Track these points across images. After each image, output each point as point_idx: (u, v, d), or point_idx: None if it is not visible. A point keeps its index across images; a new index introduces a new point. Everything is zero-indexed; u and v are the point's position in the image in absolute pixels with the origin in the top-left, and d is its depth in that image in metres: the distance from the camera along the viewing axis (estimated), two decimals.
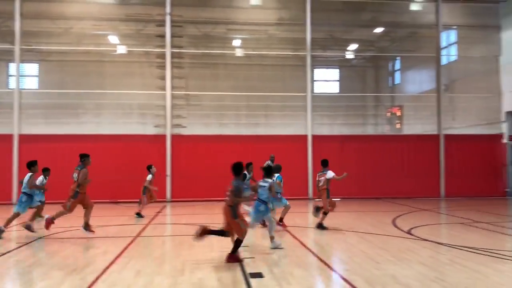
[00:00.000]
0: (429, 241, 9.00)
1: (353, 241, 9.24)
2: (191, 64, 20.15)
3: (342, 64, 27.87)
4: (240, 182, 7.46)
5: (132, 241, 9.17)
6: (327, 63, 27.65)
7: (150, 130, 18.44)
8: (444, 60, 20.77)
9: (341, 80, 28.38)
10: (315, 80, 27.10)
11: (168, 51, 18.31)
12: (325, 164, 10.93)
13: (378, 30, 22.05)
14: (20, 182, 10.46)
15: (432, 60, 20.11)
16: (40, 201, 10.90)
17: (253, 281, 6.11)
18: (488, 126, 19.86)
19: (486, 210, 14.57)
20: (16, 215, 9.68)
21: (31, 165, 9.91)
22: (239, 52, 20.61)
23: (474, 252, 7.88)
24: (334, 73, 29.27)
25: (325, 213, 10.57)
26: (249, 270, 6.69)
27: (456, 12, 20.56)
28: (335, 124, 20.82)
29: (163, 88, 18.31)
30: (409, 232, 10.10)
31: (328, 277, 6.70)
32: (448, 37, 22.33)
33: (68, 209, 9.41)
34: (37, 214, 10.58)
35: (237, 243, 7.29)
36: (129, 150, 17.46)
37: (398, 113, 25.68)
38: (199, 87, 19.91)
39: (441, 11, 19.59)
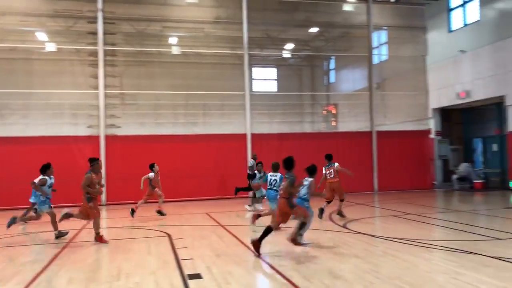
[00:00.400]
0: (364, 234, 9.32)
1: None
2: (125, 62, 19.54)
3: (280, 63, 28.24)
4: (294, 175, 7.77)
5: (64, 248, 8.74)
6: (265, 62, 27.88)
7: (82, 131, 17.69)
8: (375, 60, 21.63)
9: (279, 79, 28.77)
10: (253, 79, 27.30)
11: (100, 48, 17.66)
12: (330, 158, 11.96)
13: (313, 30, 22.56)
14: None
15: (364, 60, 20.86)
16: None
17: (191, 283, 6.01)
18: (417, 123, 20.95)
19: (416, 202, 15.34)
20: (54, 215, 9.73)
21: (46, 169, 9.82)
22: (175, 50, 20.26)
23: (405, 243, 8.25)
24: (272, 72, 29.62)
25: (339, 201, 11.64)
26: (187, 271, 6.58)
27: (386, 13, 21.48)
28: (273, 122, 21.06)
29: (96, 87, 17.63)
30: (344, 226, 10.41)
31: (266, 274, 6.74)
32: (379, 37, 23.29)
33: (95, 215, 9.16)
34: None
35: (302, 225, 7.88)
36: (60, 152, 16.61)
37: (334, 111, 26.45)
38: (134, 86, 19.37)
39: (372, 12, 20.37)
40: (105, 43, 17.80)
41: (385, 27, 21.95)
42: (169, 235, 9.64)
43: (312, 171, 8.52)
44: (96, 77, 17.65)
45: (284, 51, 26.02)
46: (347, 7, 20.82)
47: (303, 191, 8.19)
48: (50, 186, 9.83)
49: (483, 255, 7.05)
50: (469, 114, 22.02)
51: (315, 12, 20.69)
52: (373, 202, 16.48)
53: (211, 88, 19.36)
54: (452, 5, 20.64)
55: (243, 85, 18.88)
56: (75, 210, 9.50)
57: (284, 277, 6.25)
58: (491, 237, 8.68)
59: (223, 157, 18.08)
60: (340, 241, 8.64)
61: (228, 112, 19.31)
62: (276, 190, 9.73)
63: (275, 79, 28.83)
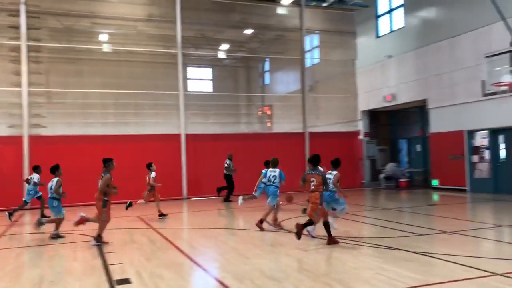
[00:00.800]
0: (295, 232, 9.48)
1: (224, 238, 9.36)
2: (51, 59, 18.52)
3: (215, 64, 28.13)
4: (323, 171, 8.43)
5: None
6: (199, 62, 27.65)
7: (3, 131, 16.58)
8: (308, 63, 22.16)
9: (214, 79, 28.66)
10: (188, 79, 26.99)
11: (23, 44, 16.63)
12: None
13: (248, 31, 22.69)
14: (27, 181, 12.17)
15: (297, 62, 21.30)
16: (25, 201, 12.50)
17: None
18: (347, 124, 21.73)
19: (347, 200, 15.83)
20: (61, 219, 9.74)
21: (55, 170, 9.78)
22: (106, 48, 19.54)
23: None
24: (207, 72, 29.46)
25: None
26: (115, 276, 6.35)
27: (318, 18, 22.08)
28: (208, 123, 20.92)
29: (19, 85, 16.59)
30: (279, 226, 10.54)
31: (198, 276, 6.67)
32: (312, 41, 23.91)
33: (105, 220, 8.86)
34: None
35: (328, 226, 8.11)
36: None
37: (269, 112, 26.81)
38: (61, 84, 18.41)
39: (305, 16, 20.84)
40: (29, 38, 16.80)
41: (317, 31, 22.56)
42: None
43: (336, 163, 9.29)
44: (18, 74, 16.61)
45: (219, 52, 25.98)
46: (281, 10, 21.16)
47: (330, 184, 8.82)
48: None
49: (406, 251, 7.42)
50: (395, 116, 23.19)
51: (250, 14, 20.83)
52: (305, 201, 16.82)
53: (143, 87, 18.85)
54: (380, 12, 21.63)
55: (177, 84, 18.59)
56: (91, 214, 9.13)
57: (215, 278, 6.21)
58: (414, 233, 9.16)
59: (157, 158, 17.62)
60: (274, 241, 8.74)
61: (162, 112, 18.91)
62: (276, 186, 10.11)
63: (210, 79, 28.70)
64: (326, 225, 8.14)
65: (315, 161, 8.59)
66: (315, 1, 21.92)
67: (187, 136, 18.43)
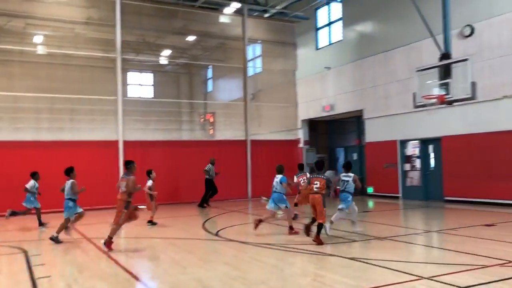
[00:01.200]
0: (235, 241, 9.49)
1: (161, 247, 9.17)
2: None
3: (156, 69, 27.73)
4: (327, 177, 9.29)
5: None
6: (140, 67, 27.15)
7: None
8: (250, 71, 22.37)
9: (155, 85, 28.23)
10: (128, 84, 26.38)
11: None
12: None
13: (191, 38, 22.57)
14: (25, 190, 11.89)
15: (240, 71, 21.43)
16: (35, 207, 12.01)
17: None
18: (287, 132, 22.11)
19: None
20: (67, 221, 9.87)
21: (70, 172, 10.12)
22: (40, 50, 18.67)
23: (273, 248, 8.58)
24: (148, 78, 28.94)
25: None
26: None
27: (260, 28, 22.37)
28: (148, 129, 20.53)
29: None
30: (217, 234, 10.49)
31: (134, 287, 6.48)
32: (254, 50, 24.18)
33: (121, 223, 8.90)
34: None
35: (320, 227, 8.84)
36: None
37: (211, 120, 26.75)
38: None
39: (247, 25, 21.04)
40: None
41: (259, 41, 22.84)
42: (25, 252, 8.76)
43: (348, 166, 10.30)
44: None
45: (161, 57, 25.63)
46: (223, 19, 21.25)
47: (348, 186, 9.94)
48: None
49: (341, 257, 7.63)
50: (333, 125, 23.88)
51: (192, 20, 20.75)
52: (246, 209, 16.91)
53: (79, 91, 18.14)
54: (319, 24, 22.28)
55: (115, 89, 18.06)
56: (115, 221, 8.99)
57: None
58: (349, 239, 9.44)
59: (93, 165, 17.05)
60: (211, 249, 8.68)
61: (99, 118, 18.30)
62: (280, 192, 10.51)
63: (151, 85, 28.24)
64: (321, 226, 8.89)
65: (319, 166, 9.49)
66: (257, 11, 22.22)
67: (125, 142, 17.90)
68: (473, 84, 12.08)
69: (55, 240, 9.63)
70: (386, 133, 18.44)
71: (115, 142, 17.80)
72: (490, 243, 8.63)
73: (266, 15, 22.11)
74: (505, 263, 6.80)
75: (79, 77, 19.43)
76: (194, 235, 10.31)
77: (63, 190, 10.05)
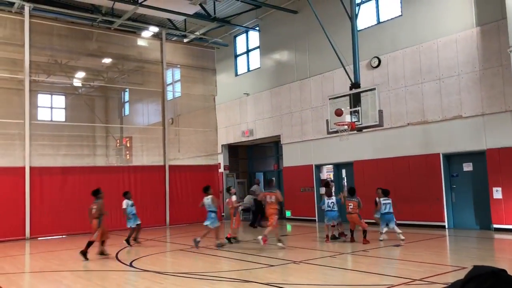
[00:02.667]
0: (149, 271, 9.13)
1: (69, 282, 8.56)
2: None
3: (69, 92, 26.50)
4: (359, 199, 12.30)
5: None
6: (51, 89, 25.81)
7: None
8: (169, 96, 22.10)
9: (68, 108, 26.92)
10: (38, 107, 24.87)
11: None
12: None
13: (107, 60, 21.88)
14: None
15: (158, 95, 21.09)
16: (137, 224, 13.20)
17: None
18: (207, 157, 21.99)
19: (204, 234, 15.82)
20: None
21: (207, 189, 12.59)
22: None
23: (189, 277, 8.36)
24: (60, 100, 27.59)
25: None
26: None
27: (179, 53, 22.28)
28: (59, 155, 19.36)
29: None
30: (131, 265, 10.03)
31: None
32: (174, 75, 23.99)
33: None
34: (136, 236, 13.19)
35: (365, 232, 11.76)
36: None
37: (128, 144, 25.90)
38: None
39: (165, 49, 20.88)
40: None
41: (178, 66, 22.72)
42: None
43: (387, 192, 12.11)
44: None
45: (74, 79, 24.52)
46: (141, 42, 20.92)
47: (387, 207, 11.86)
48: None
49: (258, 283, 7.61)
50: (253, 150, 24.21)
51: (108, 43, 20.14)
52: (164, 236, 16.42)
53: None
54: (238, 52, 22.72)
55: (22, 112, 16.91)
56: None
57: None
58: (267, 264, 9.47)
59: None
60: (123, 281, 8.26)
61: (2, 142, 16.96)
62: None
63: (63, 108, 26.90)
64: (365, 232, 11.77)
65: (352, 191, 12.47)
66: (176, 36, 22.18)
67: (32, 169, 16.72)
68: (380, 112, 12.87)
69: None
70: (302, 158, 19.02)
71: (21, 169, 16.56)
72: (399, 263, 9.08)
73: (186, 40, 22.12)
74: (410, 282, 7.18)
75: None
76: (105, 267, 9.77)
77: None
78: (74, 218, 16.71)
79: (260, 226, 17.30)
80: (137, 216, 13.48)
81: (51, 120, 26.28)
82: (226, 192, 14.55)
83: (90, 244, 10.61)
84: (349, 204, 12.17)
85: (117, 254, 11.52)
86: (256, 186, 18.45)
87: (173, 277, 8.50)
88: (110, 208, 17.82)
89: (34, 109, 21.12)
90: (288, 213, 19.70)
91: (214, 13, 20.21)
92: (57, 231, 16.65)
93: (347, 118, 13.67)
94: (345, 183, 17.95)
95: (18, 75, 17.39)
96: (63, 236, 16.47)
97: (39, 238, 16.12)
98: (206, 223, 12.37)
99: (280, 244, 11.76)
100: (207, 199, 12.58)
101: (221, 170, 22.69)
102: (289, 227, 17.78)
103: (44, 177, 16.87)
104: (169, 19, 21.25)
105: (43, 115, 25.76)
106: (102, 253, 11.01)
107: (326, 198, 12.96)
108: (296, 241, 13.78)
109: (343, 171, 18.07)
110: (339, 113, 13.20)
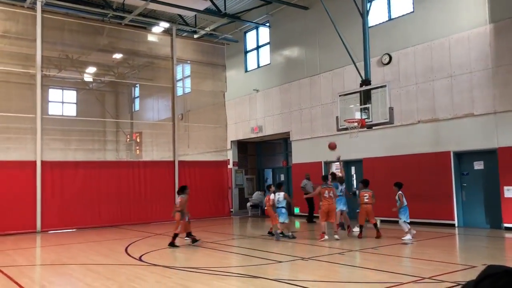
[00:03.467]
0: (158, 265, 9.19)
1: (79, 275, 8.65)
2: None
3: (80, 87, 26.68)
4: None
5: None
6: (63, 84, 26.00)
7: None
8: (179, 91, 22.16)
9: (79, 103, 27.13)
10: (50, 101, 25.11)
11: None
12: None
13: (117, 56, 21.98)
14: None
15: (168, 90, 21.14)
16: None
17: None
18: (216, 153, 22.03)
19: (212, 230, 15.93)
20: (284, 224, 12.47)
21: (280, 185, 13.21)
22: None
23: (198, 272, 8.40)
24: (71, 95, 27.79)
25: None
26: None
27: (189, 48, 22.31)
28: (70, 149, 19.54)
29: None
30: (140, 259, 10.10)
31: None
32: (184, 70, 24.05)
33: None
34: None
35: (376, 225, 12.19)
36: None
37: (138, 140, 26.03)
38: None
39: (176, 45, 20.91)
40: None
41: (189, 61, 22.75)
42: None
43: (400, 185, 12.07)
44: None
45: (85, 75, 24.69)
46: (151, 38, 20.98)
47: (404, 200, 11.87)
48: None
49: (266, 278, 7.63)
50: (261, 147, 24.22)
51: (119, 38, 20.21)
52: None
53: None
54: (248, 48, 22.70)
55: (34, 107, 17.07)
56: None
57: None
58: (275, 260, 9.49)
59: (6, 187, 15.90)
60: (133, 275, 8.32)
61: (15, 136, 17.12)
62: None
63: (74, 103, 27.10)
64: (376, 226, 12.09)
65: (366, 182, 12.76)
66: (187, 32, 22.21)
67: (43, 163, 16.90)
68: (391, 109, 12.80)
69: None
70: (311, 155, 18.97)
71: (33, 163, 16.74)
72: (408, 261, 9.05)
73: (196, 36, 22.14)
74: (419, 280, 7.16)
75: None
76: (115, 261, 9.85)
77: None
78: (85, 212, 16.92)
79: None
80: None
81: (62, 115, 26.48)
82: (266, 189, 15.18)
83: (176, 236, 11.65)
84: (364, 195, 12.39)
85: (127, 248, 11.61)
86: (306, 181, 18.20)
87: (182, 271, 8.55)
88: (115, 203, 18.07)
89: (45, 104, 21.34)
90: (296, 210, 19.70)
91: (225, 9, 20.21)
92: (67, 224, 16.81)
93: (357, 115, 13.63)
94: (354, 181, 17.89)
95: (30, 69, 17.52)
96: (73, 230, 16.63)
97: (49, 232, 16.29)
98: (281, 220, 12.61)
99: (336, 236, 12.27)
100: (278, 195, 12.85)
101: (230, 166, 22.73)
102: (297, 223, 17.77)
103: (55, 171, 17.02)
104: (179, 15, 21.29)
105: (54, 109, 26.00)
106: (194, 240, 11.88)
107: (339, 184, 13.50)
108: (304, 237, 13.76)
109: (353, 169, 18.01)
110: (332, 146, 13.86)
